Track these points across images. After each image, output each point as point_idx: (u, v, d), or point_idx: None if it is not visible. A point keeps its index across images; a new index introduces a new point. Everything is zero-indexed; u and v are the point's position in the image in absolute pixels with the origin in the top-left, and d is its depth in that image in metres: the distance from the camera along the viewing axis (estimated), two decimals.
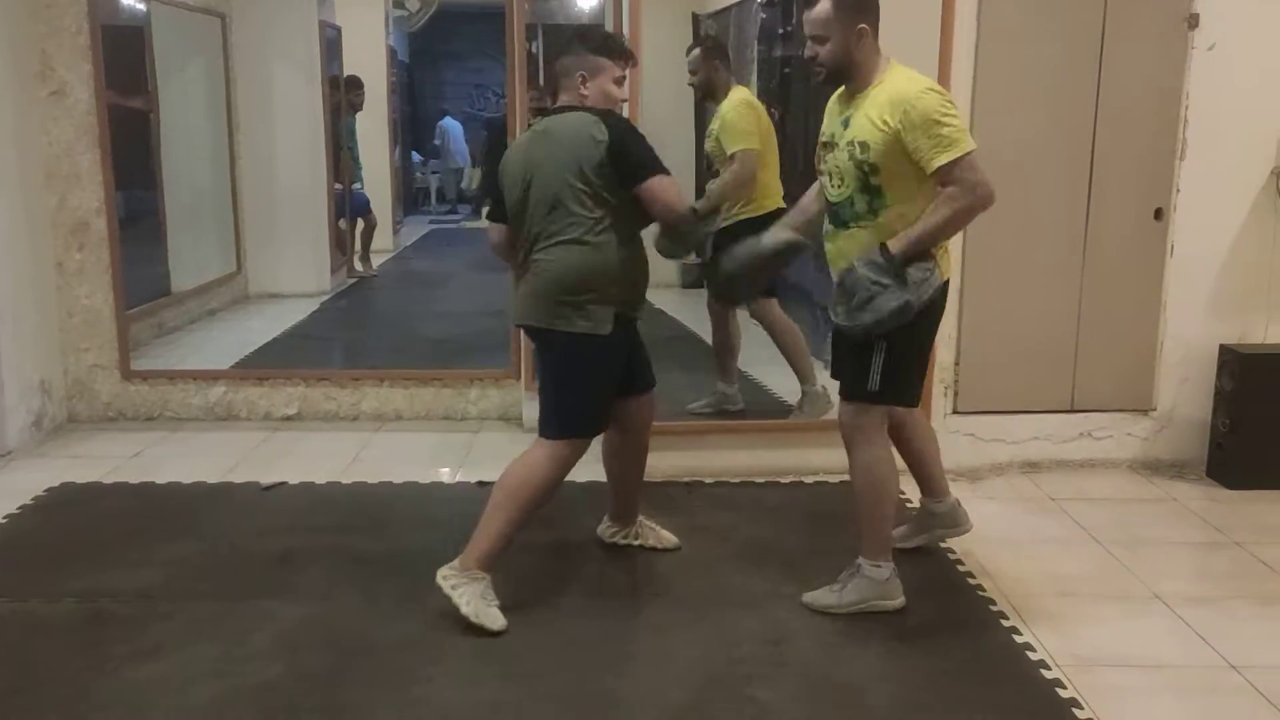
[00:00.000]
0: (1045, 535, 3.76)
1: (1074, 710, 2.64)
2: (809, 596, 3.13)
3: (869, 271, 2.79)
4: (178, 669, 2.77)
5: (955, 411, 4.34)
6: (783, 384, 4.65)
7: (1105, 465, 4.43)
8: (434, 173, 13.25)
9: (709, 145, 4.48)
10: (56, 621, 3.04)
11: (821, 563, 3.33)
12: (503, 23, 4.57)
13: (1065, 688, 2.73)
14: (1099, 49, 4.14)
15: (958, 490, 3.64)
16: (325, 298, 7.56)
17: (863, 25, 2.84)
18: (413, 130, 12.65)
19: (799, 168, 4.43)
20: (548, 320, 2.99)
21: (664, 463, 4.20)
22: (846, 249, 2.92)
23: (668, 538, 3.53)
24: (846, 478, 3.19)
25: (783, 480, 4.22)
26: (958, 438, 4.31)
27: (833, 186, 2.95)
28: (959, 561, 3.47)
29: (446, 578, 2.98)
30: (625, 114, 3.19)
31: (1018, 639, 2.98)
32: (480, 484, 4.16)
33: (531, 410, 4.80)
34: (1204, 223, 4.29)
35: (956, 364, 4.31)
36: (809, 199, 3.14)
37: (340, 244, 8.15)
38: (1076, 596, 3.28)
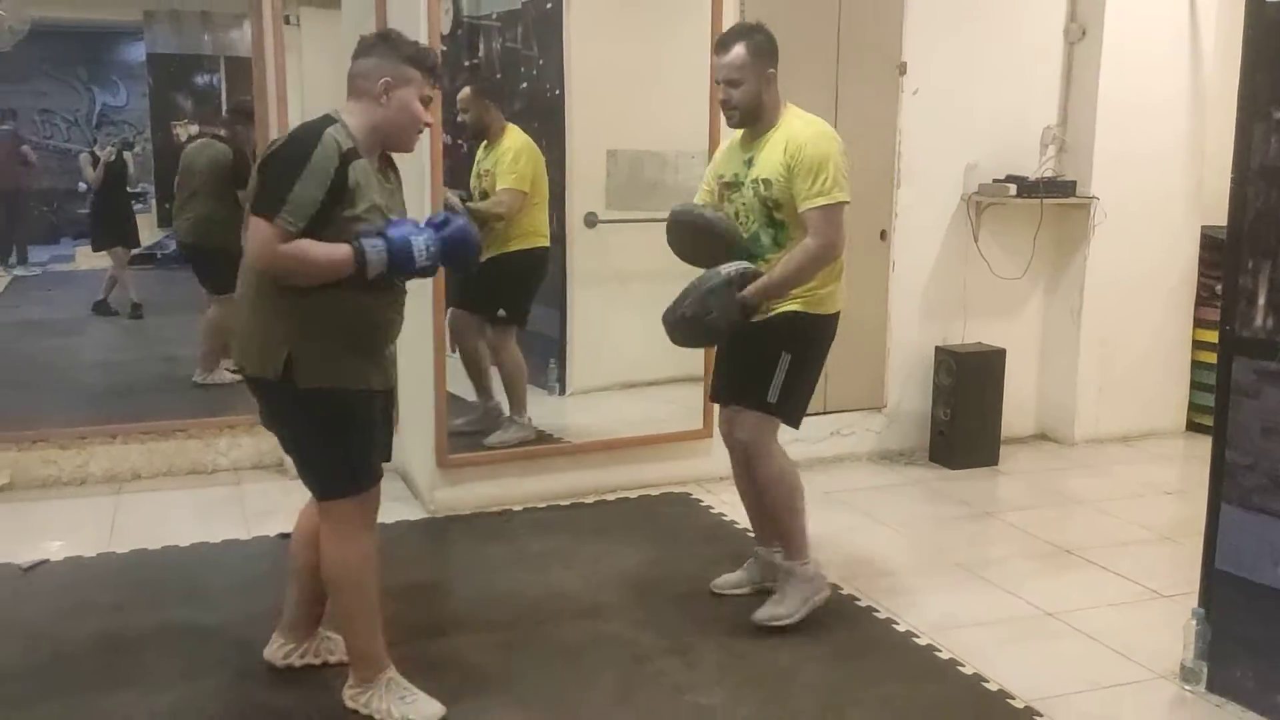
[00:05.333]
0: (839, 525, 4.16)
1: (958, 668, 3.00)
2: (759, 617, 3.17)
3: (711, 297, 2.98)
4: None
5: None
6: None
7: (851, 459, 4.97)
8: None
9: (480, 182, 4.52)
10: None
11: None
12: (70, 43, 4.22)
13: (940, 651, 3.09)
14: (834, 92, 4.67)
15: (735, 493, 3.74)
16: None
17: (771, 70, 3.06)
18: None
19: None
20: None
21: (471, 494, 4.17)
22: None
23: None
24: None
25: (587, 500, 4.30)
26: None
27: (740, 224, 3.11)
28: None
29: (355, 698, 2.68)
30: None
31: (878, 616, 3.31)
32: (283, 535, 3.84)
33: None
34: (915, 242, 4.97)
35: None
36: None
37: None
38: (899, 574, 3.69)
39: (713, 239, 3.10)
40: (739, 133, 3.19)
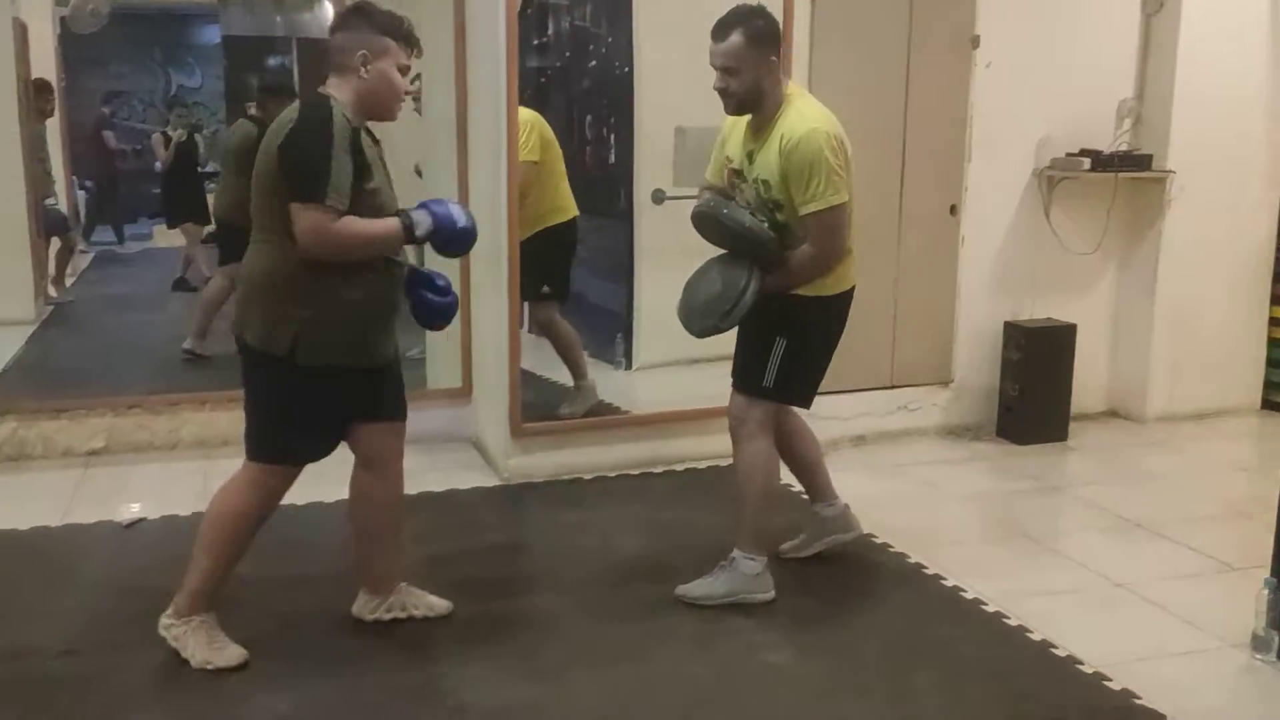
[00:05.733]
0: (907, 497, 4.20)
1: (1027, 634, 3.03)
2: (682, 589, 3.15)
3: (723, 296, 2.99)
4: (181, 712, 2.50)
5: None
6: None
7: (917, 434, 4.98)
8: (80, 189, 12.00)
9: None
10: None
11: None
12: (146, 26, 4.35)
13: (1009, 618, 3.12)
14: (906, 66, 4.67)
15: None
16: (31, 326, 6.71)
17: (773, 57, 2.96)
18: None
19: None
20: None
21: (543, 463, 4.28)
22: None
23: (439, 603, 3.07)
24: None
25: (656, 470, 4.38)
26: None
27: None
28: None
29: (168, 628, 2.76)
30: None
31: (946, 584, 3.36)
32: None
33: None
34: (986, 217, 4.95)
35: None
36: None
37: (42, 266, 7.27)
38: (967, 544, 3.73)
39: (752, 245, 3.02)
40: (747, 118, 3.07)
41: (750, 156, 3.05)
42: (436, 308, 2.85)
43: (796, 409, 3.32)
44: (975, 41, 4.78)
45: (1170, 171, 5.00)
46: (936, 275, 4.90)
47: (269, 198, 2.60)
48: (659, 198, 4.87)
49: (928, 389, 4.99)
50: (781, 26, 4.28)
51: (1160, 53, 5.03)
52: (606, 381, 4.92)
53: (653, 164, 4.98)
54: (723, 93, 2.99)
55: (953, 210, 4.90)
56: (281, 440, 2.73)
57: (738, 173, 3.11)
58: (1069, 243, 5.05)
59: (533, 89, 5.31)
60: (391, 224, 2.65)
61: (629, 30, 5.06)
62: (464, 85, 4.51)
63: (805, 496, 3.54)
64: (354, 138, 2.57)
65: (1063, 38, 4.89)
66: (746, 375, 3.15)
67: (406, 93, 2.73)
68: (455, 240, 2.75)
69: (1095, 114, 5.01)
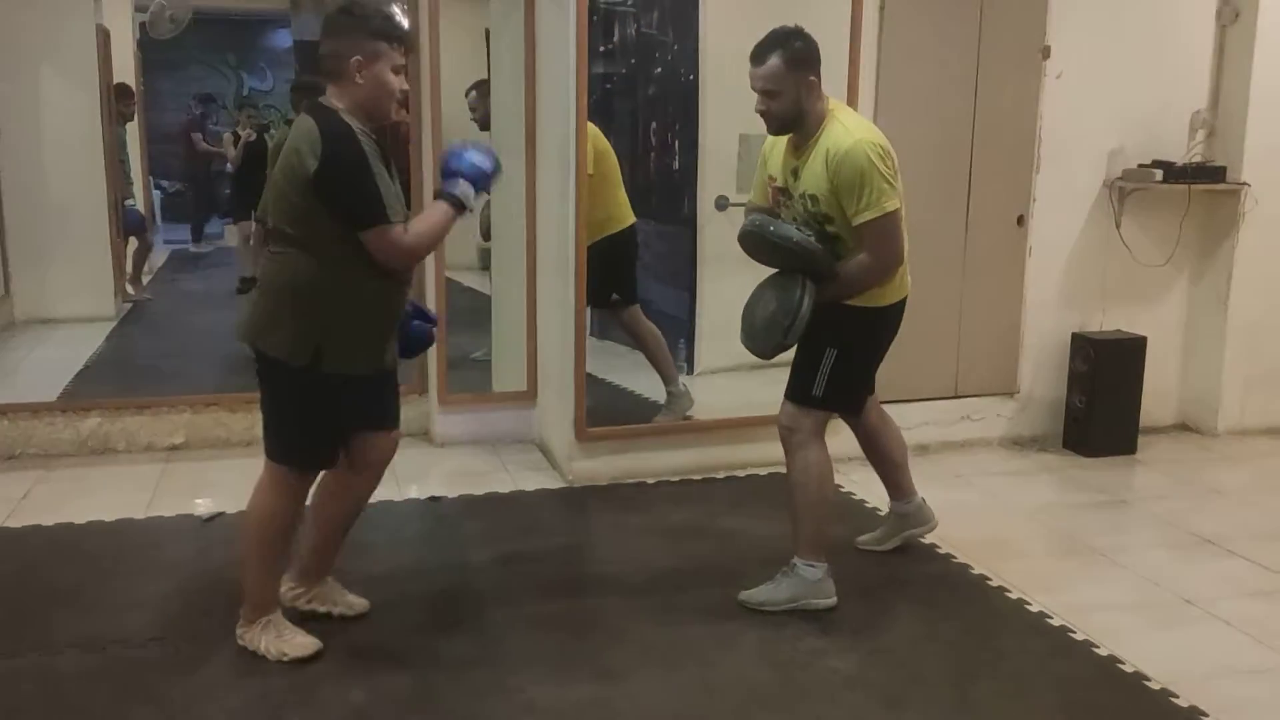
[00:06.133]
0: (971, 508, 4.18)
1: (1093, 649, 3.02)
2: (745, 594, 3.20)
3: (780, 311, 3.01)
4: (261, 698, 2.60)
5: None
6: (648, 386, 4.86)
7: (981, 444, 4.96)
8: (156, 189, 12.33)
9: None
10: (79, 673, 2.78)
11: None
12: (221, 31, 4.44)
13: (1075, 632, 3.11)
14: (975, 76, 4.66)
15: (867, 472, 3.84)
16: (111, 323, 6.93)
17: (813, 77, 3.00)
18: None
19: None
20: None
21: (607, 466, 4.33)
22: None
23: (357, 602, 3.09)
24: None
25: (718, 475, 4.42)
26: None
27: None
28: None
29: (240, 636, 2.85)
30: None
31: (1010, 596, 3.35)
32: (432, 499, 4.09)
33: (444, 424, 4.78)
34: (1054, 227, 4.92)
35: None
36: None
37: (121, 265, 7.51)
38: (1032, 556, 3.71)
39: (802, 259, 3.03)
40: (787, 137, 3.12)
41: (795, 173, 3.08)
42: (426, 335, 2.99)
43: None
44: (1046, 52, 4.75)
45: (1244, 184, 4.93)
46: (1003, 285, 4.88)
47: (291, 213, 2.61)
48: (722, 204, 4.91)
49: (992, 399, 4.97)
50: (849, 38, 4.36)
51: (1235, 64, 4.96)
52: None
53: (716, 171, 5.02)
54: (764, 115, 3.04)
55: (1020, 221, 4.87)
56: (299, 445, 2.78)
57: (782, 190, 3.15)
58: (1140, 254, 4.99)
59: (598, 95, 5.38)
60: (443, 208, 2.71)
61: (695, 37, 5.11)
62: (533, 97, 4.59)
63: (880, 512, 3.58)
64: (374, 146, 2.63)
65: (1135, 49, 4.85)
66: (797, 384, 3.19)
67: (402, 91, 2.72)
68: (495, 179, 2.82)
69: (1168, 125, 4.96)
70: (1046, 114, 4.80)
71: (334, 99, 2.67)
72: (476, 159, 2.75)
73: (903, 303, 3.21)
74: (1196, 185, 4.87)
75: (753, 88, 3.01)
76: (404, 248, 2.65)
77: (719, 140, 5.03)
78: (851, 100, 4.34)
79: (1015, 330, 4.96)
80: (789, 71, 2.95)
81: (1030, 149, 4.82)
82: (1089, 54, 4.78)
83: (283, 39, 11.78)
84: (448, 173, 2.75)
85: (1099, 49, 4.80)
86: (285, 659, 2.79)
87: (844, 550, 3.55)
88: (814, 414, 3.17)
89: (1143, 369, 4.90)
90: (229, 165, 9.04)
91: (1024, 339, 4.97)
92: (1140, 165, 4.89)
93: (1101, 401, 4.85)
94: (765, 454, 4.50)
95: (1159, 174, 4.81)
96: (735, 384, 5.14)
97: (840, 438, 4.54)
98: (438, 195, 2.76)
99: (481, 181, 2.76)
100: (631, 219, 4.71)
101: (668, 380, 4.69)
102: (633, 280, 4.78)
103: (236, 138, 8.74)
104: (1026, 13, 4.69)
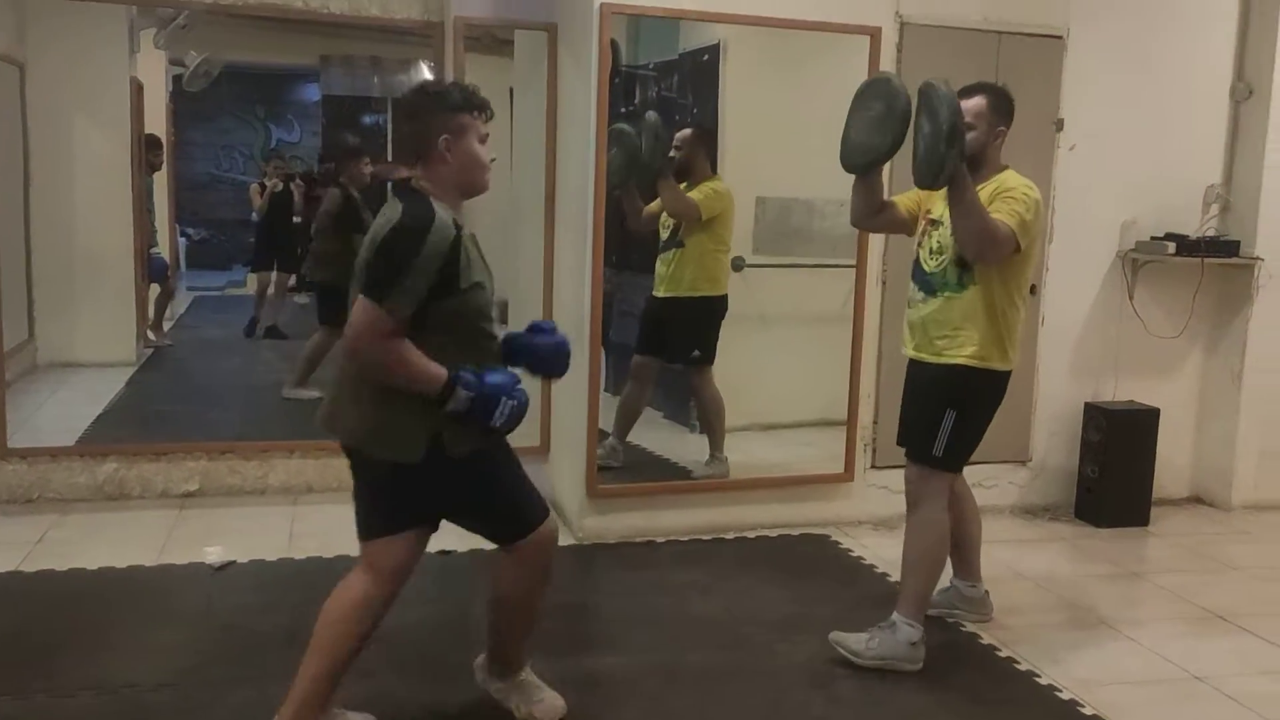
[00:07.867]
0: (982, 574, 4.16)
1: None
2: (837, 636, 3.29)
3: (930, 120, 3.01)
4: None
5: (873, 466, 4.72)
6: (659, 443, 4.94)
7: (991, 511, 4.91)
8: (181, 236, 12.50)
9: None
10: (89, 716, 2.81)
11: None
12: (251, 85, 4.54)
13: (1084, 707, 3.09)
14: None
15: (875, 537, 3.85)
16: (132, 368, 7.01)
17: (1002, 128, 3.23)
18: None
19: None
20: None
21: (617, 524, 4.34)
22: (928, 317, 3.23)
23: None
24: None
25: (727, 536, 4.42)
26: (874, 490, 4.70)
27: (931, 258, 3.25)
28: None
29: None
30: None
31: (1019, 668, 3.33)
32: (443, 553, 4.09)
33: None
34: (1067, 297, 4.95)
35: (875, 423, 4.70)
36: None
37: (144, 311, 7.61)
38: (1042, 627, 3.69)
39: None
40: None
41: None
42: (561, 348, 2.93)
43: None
44: (1059, 124, 4.82)
45: (1258, 259, 4.95)
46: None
47: None
48: (739, 265, 4.96)
49: (1005, 466, 4.96)
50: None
51: (1249, 140, 5.02)
52: (681, 445, 5.00)
53: (734, 233, 5.09)
54: None
55: (1033, 290, 4.89)
56: (519, 510, 2.76)
57: (934, 222, 3.27)
58: (1153, 326, 5.01)
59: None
60: (436, 374, 2.45)
61: (715, 101, 5.20)
62: (554, 157, 4.68)
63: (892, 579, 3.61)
64: (454, 246, 2.45)
65: (1148, 122, 4.91)
66: (918, 444, 3.30)
67: (492, 160, 2.61)
68: (483, 430, 2.53)
69: (1181, 198, 5.01)
70: (1060, 185, 4.86)
71: (426, 183, 2.53)
72: (502, 403, 2.51)
73: (1009, 375, 3.33)
74: (1210, 259, 4.90)
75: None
76: (370, 333, 2.39)
77: (737, 203, 5.09)
78: None
79: (1028, 398, 4.96)
80: (990, 112, 3.20)
81: (1044, 219, 4.86)
82: (1103, 127, 4.85)
83: (311, 93, 12.05)
84: (483, 376, 2.51)
85: (1113, 122, 4.86)
86: None
87: (847, 613, 3.55)
88: (939, 474, 3.27)
89: (1155, 440, 4.90)
90: (254, 214, 9.17)
91: (1036, 407, 4.98)
92: (1154, 238, 4.93)
93: (1114, 472, 4.84)
94: (775, 515, 4.52)
95: (1172, 247, 4.84)
96: (747, 444, 5.16)
97: (840, 502, 4.61)
98: (452, 375, 2.48)
99: (479, 414, 2.49)
100: (726, 289, 4.82)
101: (715, 447, 4.77)
102: (714, 343, 4.86)
103: (263, 188, 8.88)
104: (1041, 85, 4.76)
